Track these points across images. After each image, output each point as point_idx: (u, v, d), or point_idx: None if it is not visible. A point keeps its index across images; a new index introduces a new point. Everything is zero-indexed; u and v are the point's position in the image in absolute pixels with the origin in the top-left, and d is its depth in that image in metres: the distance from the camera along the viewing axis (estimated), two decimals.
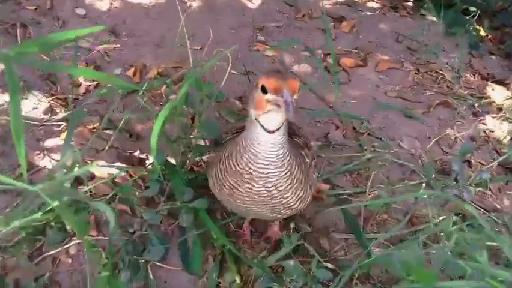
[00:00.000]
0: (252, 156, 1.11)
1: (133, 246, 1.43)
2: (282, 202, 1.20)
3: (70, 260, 1.45)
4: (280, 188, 1.16)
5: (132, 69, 2.21)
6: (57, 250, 1.44)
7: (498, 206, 1.72)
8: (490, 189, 1.77)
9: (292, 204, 1.22)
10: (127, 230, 1.49)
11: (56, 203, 0.99)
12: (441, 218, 1.54)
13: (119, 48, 2.35)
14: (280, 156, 1.12)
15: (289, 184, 1.17)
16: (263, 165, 1.11)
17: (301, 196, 1.23)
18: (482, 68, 2.62)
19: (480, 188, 1.73)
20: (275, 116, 1.05)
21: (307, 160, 1.33)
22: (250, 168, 1.12)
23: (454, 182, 1.73)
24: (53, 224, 1.46)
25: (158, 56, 2.33)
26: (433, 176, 1.73)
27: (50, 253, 1.44)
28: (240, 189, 1.17)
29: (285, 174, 1.15)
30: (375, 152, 1.87)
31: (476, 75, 2.56)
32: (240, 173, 1.14)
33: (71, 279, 1.41)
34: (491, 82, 2.53)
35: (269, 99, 1.01)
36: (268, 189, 1.15)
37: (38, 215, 1.29)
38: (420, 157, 1.90)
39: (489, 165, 1.91)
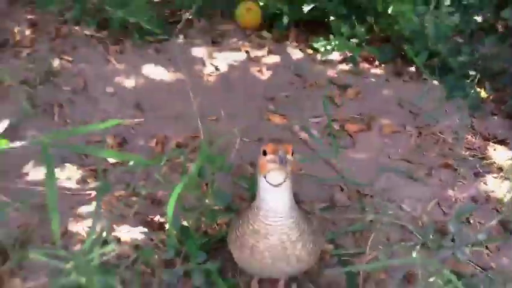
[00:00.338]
0: (265, 212, 1.38)
1: None
2: (296, 253, 1.43)
3: None
4: (293, 239, 1.40)
5: (154, 140, 2.47)
6: None
7: (494, 266, 1.79)
8: (487, 248, 1.85)
9: (304, 256, 1.45)
10: None
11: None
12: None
13: (143, 122, 2.61)
14: (288, 209, 1.39)
15: (300, 235, 1.42)
16: (276, 218, 1.38)
17: (311, 248, 1.46)
18: (483, 129, 2.75)
19: (477, 248, 1.80)
20: (276, 172, 1.34)
21: (314, 223, 1.57)
22: (266, 224, 1.39)
23: (451, 242, 1.82)
24: None
25: (178, 128, 2.57)
26: (431, 236, 1.82)
27: None
28: (259, 246, 1.41)
29: (295, 226, 1.40)
30: (377, 214, 1.99)
31: (478, 136, 2.68)
32: (258, 230, 1.40)
33: None
34: (493, 142, 2.64)
35: (268, 159, 1.32)
36: (282, 240, 1.40)
37: None
38: (420, 218, 2.01)
39: (488, 225, 1.99)
